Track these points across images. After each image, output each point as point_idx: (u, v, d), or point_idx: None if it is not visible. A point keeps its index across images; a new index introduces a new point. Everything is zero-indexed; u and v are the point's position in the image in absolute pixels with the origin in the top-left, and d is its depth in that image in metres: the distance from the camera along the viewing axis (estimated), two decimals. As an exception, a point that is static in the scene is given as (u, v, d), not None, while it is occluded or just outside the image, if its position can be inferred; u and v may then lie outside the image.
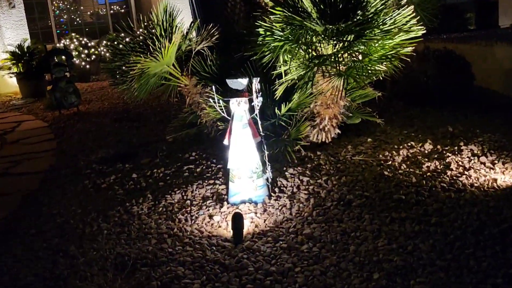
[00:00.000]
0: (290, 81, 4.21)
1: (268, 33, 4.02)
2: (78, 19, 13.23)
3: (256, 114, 3.64)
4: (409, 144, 4.51)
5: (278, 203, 3.59)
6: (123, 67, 4.70)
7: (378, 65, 3.99)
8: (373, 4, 3.87)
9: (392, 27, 3.86)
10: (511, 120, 4.91)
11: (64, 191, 4.29)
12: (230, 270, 2.81)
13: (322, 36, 3.93)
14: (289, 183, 3.91)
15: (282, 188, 3.84)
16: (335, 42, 3.93)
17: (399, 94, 5.92)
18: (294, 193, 3.72)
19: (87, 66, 11.31)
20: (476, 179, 3.65)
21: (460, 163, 3.97)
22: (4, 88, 10.47)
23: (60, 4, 12.85)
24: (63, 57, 8.56)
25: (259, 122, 3.70)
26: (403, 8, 3.93)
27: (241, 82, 3.56)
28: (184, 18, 5.01)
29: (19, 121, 7.60)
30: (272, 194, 3.74)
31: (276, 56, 4.05)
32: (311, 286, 2.61)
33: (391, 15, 3.92)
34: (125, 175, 4.49)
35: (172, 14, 4.73)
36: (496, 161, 3.91)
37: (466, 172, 3.77)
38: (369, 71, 3.97)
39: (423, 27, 3.95)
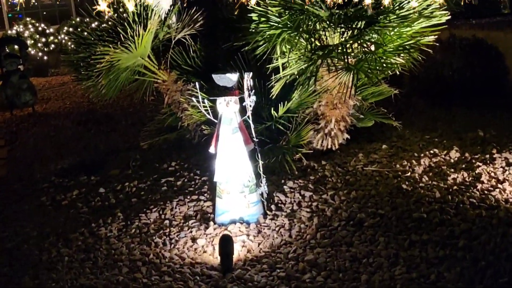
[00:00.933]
0: (289, 76, 4.22)
1: (262, 19, 4.03)
2: (34, 1, 13.20)
3: (248, 116, 3.65)
4: (431, 151, 4.53)
5: (275, 223, 3.59)
6: (89, 59, 4.70)
7: (394, 57, 4.02)
8: (388, -15, 3.91)
9: (411, 12, 3.89)
10: (553, 123, 4.96)
11: (16, 210, 4.27)
12: (217, 304, 2.82)
13: (327, 22, 3.95)
14: (288, 199, 3.91)
15: (279, 205, 3.84)
16: (342, 30, 3.95)
17: (420, 91, 5.95)
18: (294, 211, 3.72)
19: (45, 58, 11.29)
20: (512, 193, 3.67)
21: (492, 174, 3.99)
22: None
23: (12, -17, 12.86)
24: (16, 46, 8.56)
25: (252, 126, 3.70)
26: (423, -10, 3.97)
27: (230, 78, 3.56)
28: (162, 1, 5.02)
29: (-38, 124, 7.55)
30: (268, 212, 3.74)
31: (272, 47, 4.06)
32: (315, 323, 2.62)
33: (410, -2, 3.95)
34: (90, 190, 4.47)
35: (148, -4, 4.75)
36: (535, 172, 3.95)
37: (499, 185, 3.79)
38: (384, 65, 4.00)
39: (447, 12, 3.99)
